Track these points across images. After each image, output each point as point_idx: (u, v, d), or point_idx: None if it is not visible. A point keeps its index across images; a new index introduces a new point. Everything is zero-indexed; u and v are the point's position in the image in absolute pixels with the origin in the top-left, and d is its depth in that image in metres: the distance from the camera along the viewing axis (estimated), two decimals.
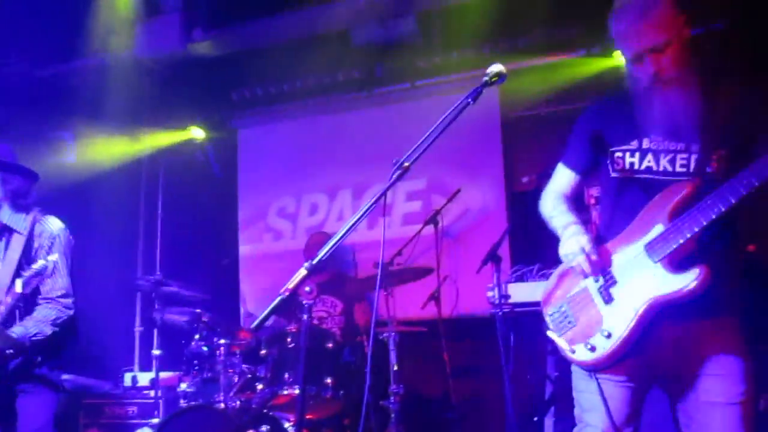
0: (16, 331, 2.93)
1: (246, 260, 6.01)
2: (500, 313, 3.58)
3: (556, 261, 3.24)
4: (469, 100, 2.02)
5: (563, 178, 2.37)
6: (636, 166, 2.11)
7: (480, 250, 4.23)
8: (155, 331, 5.69)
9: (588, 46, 4.93)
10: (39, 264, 2.82)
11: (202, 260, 6.13)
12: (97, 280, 4.81)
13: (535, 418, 3.88)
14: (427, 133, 2.01)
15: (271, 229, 5.97)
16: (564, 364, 3.78)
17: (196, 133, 6.07)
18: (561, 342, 2.16)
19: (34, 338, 2.96)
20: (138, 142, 6.10)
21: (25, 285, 2.79)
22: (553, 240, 2.31)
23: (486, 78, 2.06)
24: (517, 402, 3.60)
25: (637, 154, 2.11)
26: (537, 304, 3.57)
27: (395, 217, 5.35)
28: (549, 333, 2.22)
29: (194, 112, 6.03)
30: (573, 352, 2.12)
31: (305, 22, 5.14)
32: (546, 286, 2.31)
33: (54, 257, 2.88)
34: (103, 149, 6.08)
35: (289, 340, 3.70)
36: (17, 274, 3.02)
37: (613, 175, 2.18)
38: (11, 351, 2.93)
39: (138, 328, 6.11)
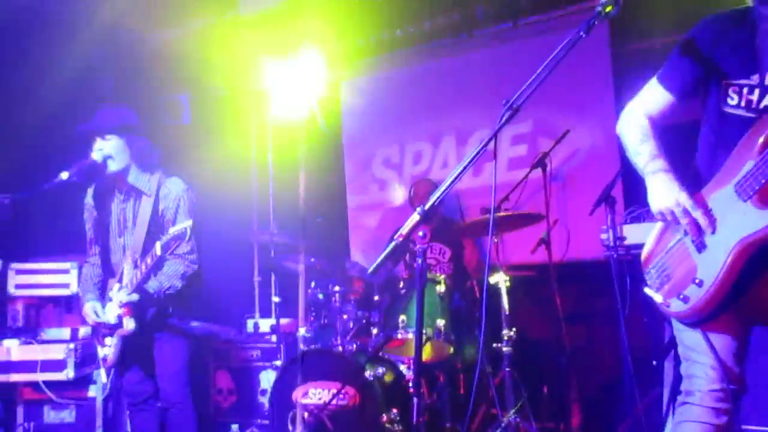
0: (152, 286, 3.19)
1: (354, 211, 6.15)
2: (615, 256, 3.47)
3: None
4: (582, 33, 1.92)
5: (655, 97, 2.18)
6: (753, 105, 1.93)
7: (591, 193, 4.10)
8: (273, 281, 6.03)
9: None
10: (177, 228, 2.99)
11: (312, 212, 6.34)
12: (216, 234, 5.10)
13: (654, 362, 3.78)
14: (537, 72, 1.94)
15: (376, 179, 6.06)
16: None
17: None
18: (656, 296, 2.09)
19: (167, 291, 3.23)
20: (246, 98, 6.31)
21: (164, 248, 3.00)
22: None
23: (599, 8, 1.94)
24: (634, 346, 3.51)
25: (757, 91, 1.93)
26: None
27: (501, 161, 5.26)
28: (646, 290, 2.14)
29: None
30: (668, 306, 2.05)
31: None
32: (646, 245, 2.21)
33: (189, 222, 3.02)
34: (215, 109, 6.36)
35: (401, 285, 3.79)
36: (149, 234, 3.27)
37: (726, 110, 1.99)
38: (147, 305, 3.22)
39: (257, 278, 6.45)
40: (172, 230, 3.00)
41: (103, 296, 3.38)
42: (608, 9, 1.93)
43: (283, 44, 5.77)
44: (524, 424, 3.67)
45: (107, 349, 3.27)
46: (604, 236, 3.59)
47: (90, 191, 3.48)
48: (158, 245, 3.00)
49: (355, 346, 3.88)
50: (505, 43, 5.42)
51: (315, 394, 3.63)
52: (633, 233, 3.57)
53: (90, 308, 3.32)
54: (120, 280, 3.25)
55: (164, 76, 6.26)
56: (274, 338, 4.86)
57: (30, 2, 5.01)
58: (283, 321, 4.88)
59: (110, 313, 3.25)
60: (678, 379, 3.61)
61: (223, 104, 6.42)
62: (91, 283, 3.46)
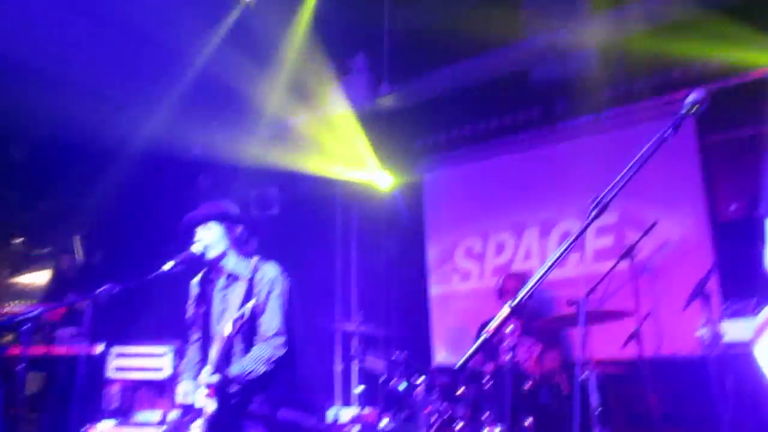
0: (234, 369, 3.22)
1: (436, 301, 6.15)
2: (713, 355, 3.30)
3: None
4: (669, 132, 1.95)
5: None
6: None
7: (683, 286, 3.96)
8: (354, 370, 6.03)
9: None
10: (244, 308, 3.09)
11: (394, 302, 6.38)
12: (299, 320, 5.22)
13: None
14: (623, 171, 1.97)
15: (458, 269, 6.07)
16: None
17: (385, 181, 6.40)
18: None
19: (248, 376, 3.24)
20: (333, 192, 6.58)
21: (233, 326, 3.08)
22: None
23: (684, 110, 1.97)
24: None
25: None
26: None
27: (586, 253, 5.19)
28: None
29: (382, 162, 6.38)
30: None
31: (484, 67, 5.29)
32: (756, 323, 2.11)
33: (250, 304, 3.11)
34: (303, 200, 6.66)
35: (486, 379, 3.72)
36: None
37: None
38: (231, 388, 3.28)
39: (338, 366, 6.48)
40: (240, 310, 3.08)
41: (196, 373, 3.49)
42: (693, 109, 1.96)
43: (371, 141, 6.06)
44: None
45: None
46: (699, 333, 3.44)
47: (196, 279, 3.67)
48: (229, 323, 3.09)
49: None
50: (588, 136, 5.46)
51: None
52: (732, 330, 3.41)
53: (181, 388, 3.39)
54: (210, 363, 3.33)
55: (256, 171, 6.63)
56: (355, 429, 4.81)
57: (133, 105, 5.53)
58: (365, 411, 4.84)
59: (199, 395, 3.31)
60: None
61: (311, 194, 6.70)
62: (191, 364, 3.55)
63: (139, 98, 5.61)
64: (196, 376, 3.45)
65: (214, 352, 3.29)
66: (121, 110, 5.53)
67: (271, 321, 3.32)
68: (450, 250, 6.14)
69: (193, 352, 3.61)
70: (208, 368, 3.30)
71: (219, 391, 3.22)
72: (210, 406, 3.20)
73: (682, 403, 4.29)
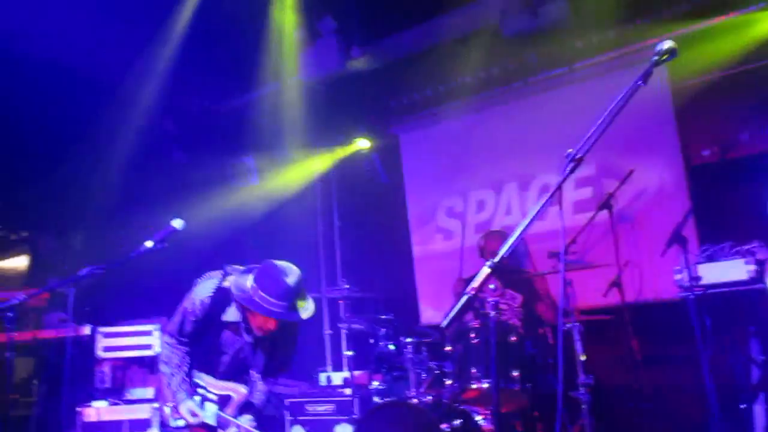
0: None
1: (419, 261, 6.19)
2: (692, 296, 3.39)
3: (749, 237, 3.01)
4: (640, 82, 1.97)
5: None
6: None
7: (661, 232, 4.04)
8: (344, 334, 6.09)
9: None
10: None
11: (379, 264, 6.42)
12: None
13: (742, 406, 3.61)
14: (598, 122, 1.98)
15: (441, 229, 6.10)
16: None
17: (362, 144, 6.37)
18: None
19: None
20: (310, 159, 6.54)
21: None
22: (745, 215, 2.16)
23: (655, 58, 1.99)
24: (719, 390, 3.38)
25: None
26: (733, 284, 3.36)
27: (566, 205, 5.16)
28: None
29: (357, 125, 6.34)
30: None
31: (454, 23, 5.23)
32: None
33: None
34: (281, 169, 6.61)
35: (473, 335, 3.77)
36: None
37: None
38: None
39: (327, 332, 6.54)
40: None
41: (192, 388, 3.22)
42: (664, 57, 1.97)
43: (343, 102, 6.01)
44: None
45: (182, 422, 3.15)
46: (678, 276, 3.52)
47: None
48: None
49: (430, 397, 3.87)
50: (561, 88, 5.46)
51: None
52: (710, 273, 3.48)
53: (186, 409, 3.10)
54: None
55: (232, 142, 6.56)
56: (347, 391, 4.88)
57: (109, 79, 5.39)
58: (355, 373, 4.91)
59: (209, 411, 3.15)
60: None
61: (287, 163, 6.65)
62: (181, 375, 3.19)
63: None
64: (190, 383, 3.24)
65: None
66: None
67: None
68: (431, 209, 6.17)
69: (180, 354, 3.22)
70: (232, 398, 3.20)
71: None
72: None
73: (663, 345, 4.42)
